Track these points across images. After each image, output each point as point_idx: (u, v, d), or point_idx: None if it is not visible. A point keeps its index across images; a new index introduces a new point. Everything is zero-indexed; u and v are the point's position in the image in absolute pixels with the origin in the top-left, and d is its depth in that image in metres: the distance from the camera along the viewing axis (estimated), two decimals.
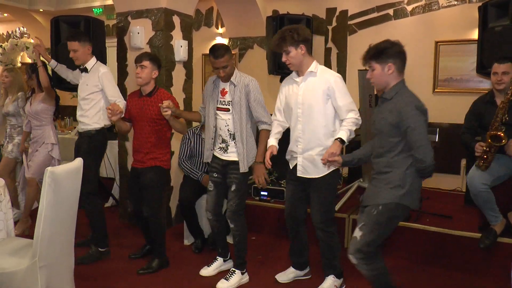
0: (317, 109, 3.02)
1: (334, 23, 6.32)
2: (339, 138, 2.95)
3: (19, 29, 9.90)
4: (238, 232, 3.43)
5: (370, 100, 4.22)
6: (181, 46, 4.59)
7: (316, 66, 3.07)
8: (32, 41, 9.24)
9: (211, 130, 3.40)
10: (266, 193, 4.79)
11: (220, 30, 7.01)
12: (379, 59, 2.57)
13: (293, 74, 3.16)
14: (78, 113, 3.87)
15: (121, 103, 3.65)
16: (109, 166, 5.35)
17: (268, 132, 3.28)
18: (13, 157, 4.75)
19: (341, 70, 6.31)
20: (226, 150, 3.37)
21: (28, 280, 2.50)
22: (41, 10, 8.36)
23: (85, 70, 3.87)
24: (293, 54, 2.98)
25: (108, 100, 3.76)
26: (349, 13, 6.21)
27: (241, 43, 6.78)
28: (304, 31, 2.99)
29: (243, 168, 3.30)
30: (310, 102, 3.03)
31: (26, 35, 9.79)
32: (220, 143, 3.39)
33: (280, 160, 5.21)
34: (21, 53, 9.32)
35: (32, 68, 4.48)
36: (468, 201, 4.68)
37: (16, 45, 8.56)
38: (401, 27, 5.88)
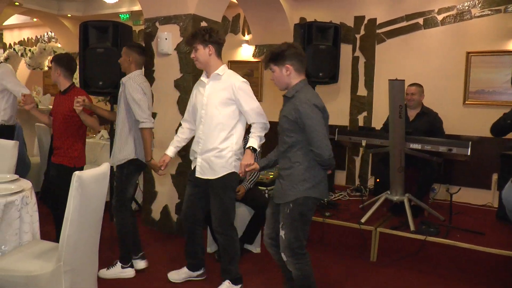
0: (217, 112, 3.12)
1: (362, 32, 6.22)
2: (250, 147, 3.04)
3: (47, 33, 10.05)
4: (119, 227, 3.60)
5: (400, 110, 4.12)
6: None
7: (223, 70, 3.17)
8: (59, 45, 9.37)
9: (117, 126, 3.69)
10: None
11: (247, 37, 6.97)
12: (277, 62, 2.72)
13: (203, 75, 3.26)
14: None
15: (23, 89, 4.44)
16: None
17: (145, 130, 3.47)
18: None
19: (369, 79, 6.21)
20: None
21: (52, 284, 2.48)
22: (69, 15, 8.47)
23: None
24: (201, 52, 3.13)
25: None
26: (378, 22, 6.11)
27: (267, 51, 6.66)
28: (216, 33, 3.14)
29: (112, 162, 3.59)
30: (212, 104, 3.13)
31: (53, 40, 9.94)
32: None
33: None
34: (49, 57, 9.43)
35: None
36: (500, 217, 4.54)
37: (44, 49, 8.65)
38: (431, 37, 5.75)
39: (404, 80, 4.13)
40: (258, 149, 3.14)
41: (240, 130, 3.24)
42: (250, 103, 3.13)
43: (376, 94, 6.19)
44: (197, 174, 3.23)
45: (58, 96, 3.87)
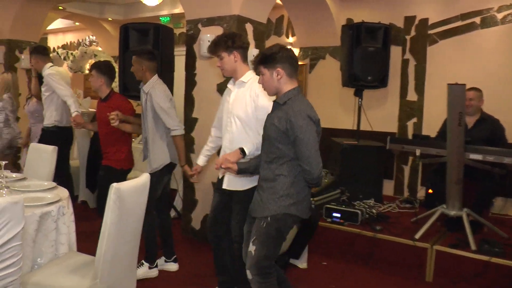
0: (243, 120, 2.96)
1: (412, 33, 5.88)
2: (241, 148, 2.84)
3: (88, 37, 10.13)
4: (146, 232, 3.53)
5: (460, 118, 3.79)
6: (254, 55, 4.33)
7: (248, 76, 3.00)
8: (100, 49, 9.40)
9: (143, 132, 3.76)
10: (339, 215, 4.45)
11: (291, 39, 6.74)
12: (267, 64, 2.50)
13: (230, 82, 3.11)
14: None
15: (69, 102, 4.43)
16: (172, 177, 5.16)
17: (177, 137, 3.51)
18: None
19: (419, 83, 5.86)
20: None
21: None
22: (110, 19, 8.48)
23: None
24: (226, 60, 2.97)
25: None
26: (430, 22, 5.75)
27: (312, 53, 6.47)
28: (239, 39, 2.98)
29: (149, 169, 3.59)
30: (237, 112, 2.97)
31: (94, 43, 10.00)
32: None
33: (353, 179, 4.85)
34: (90, 61, 9.48)
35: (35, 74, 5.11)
36: None
37: (85, 52, 8.68)
38: (489, 37, 5.36)
39: (465, 84, 3.81)
40: (249, 156, 2.84)
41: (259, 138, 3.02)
42: (266, 111, 2.83)
43: (427, 99, 5.83)
44: (224, 186, 3.06)
45: (99, 103, 3.89)
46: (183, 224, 4.77)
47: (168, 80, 4.39)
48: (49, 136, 4.75)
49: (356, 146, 5.33)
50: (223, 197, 3.13)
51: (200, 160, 3.36)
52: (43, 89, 4.76)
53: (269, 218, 2.52)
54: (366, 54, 5.18)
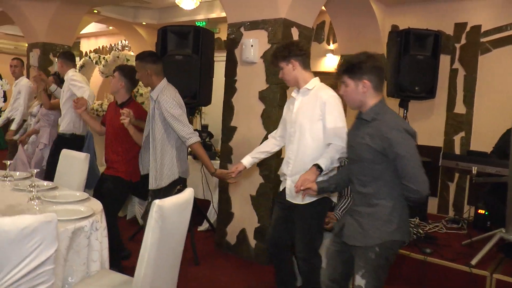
0: (308, 130, 2.83)
1: (463, 40, 5.53)
2: (317, 164, 2.69)
3: (121, 42, 10.05)
4: None
5: None
6: None
7: (313, 83, 2.89)
8: (132, 53, 9.29)
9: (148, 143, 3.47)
10: None
11: (332, 46, 6.47)
12: (353, 75, 2.29)
13: (294, 90, 3.00)
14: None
15: (85, 93, 4.12)
16: (206, 188, 4.94)
17: (195, 145, 3.24)
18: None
19: (469, 95, 5.50)
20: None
21: None
22: (144, 23, 8.36)
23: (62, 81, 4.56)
24: (285, 70, 2.89)
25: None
26: (483, 29, 5.39)
27: (342, 59, 6.10)
28: (296, 47, 2.87)
29: (153, 185, 3.35)
30: (302, 121, 2.85)
31: (127, 48, 9.91)
32: None
33: None
34: None
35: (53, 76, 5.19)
36: None
37: (118, 57, 8.55)
38: None
39: None
40: (326, 171, 2.72)
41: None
42: (334, 121, 2.78)
43: (477, 112, 5.46)
44: (288, 198, 2.93)
45: (113, 107, 3.70)
46: (217, 238, 4.51)
47: (207, 86, 4.17)
48: (64, 142, 4.52)
49: None
50: (284, 211, 3.00)
51: (246, 160, 3.12)
52: (64, 90, 4.59)
53: (377, 248, 2.29)
54: (414, 63, 4.87)
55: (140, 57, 3.34)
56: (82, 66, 9.33)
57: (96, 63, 9.14)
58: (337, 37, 6.19)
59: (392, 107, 5.54)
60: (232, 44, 4.27)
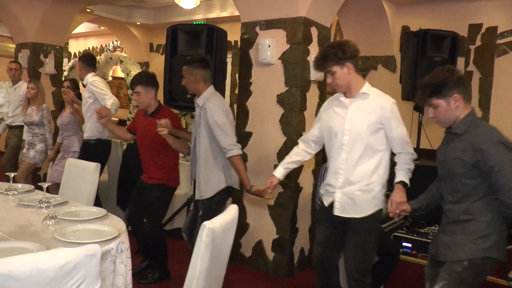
0: (366, 138, 2.59)
1: (478, 42, 5.36)
2: (401, 181, 2.55)
3: (112, 43, 9.70)
4: None
5: None
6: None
7: (369, 88, 2.64)
8: (125, 54, 8.97)
9: (192, 151, 3.33)
10: (409, 245, 3.90)
11: None
12: (442, 94, 2.19)
13: (338, 94, 2.73)
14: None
15: (109, 101, 3.95)
16: None
17: (235, 158, 3.04)
18: (34, 162, 5.06)
19: (485, 98, 5.33)
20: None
21: None
22: (138, 23, 8.05)
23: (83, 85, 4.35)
24: (339, 74, 2.57)
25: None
26: (499, 30, 5.23)
27: (362, 63, 5.91)
28: (349, 47, 2.58)
29: (198, 195, 3.18)
30: (360, 129, 2.60)
31: (119, 49, 9.57)
32: None
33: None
34: (113, 67, 9.04)
35: (69, 83, 4.84)
36: None
37: (111, 58, 8.23)
38: None
39: None
40: (408, 185, 2.60)
41: (387, 160, 2.69)
42: (399, 128, 2.61)
43: (494, 116, 5.29)
44: (337, 212, 2.68)
45: (143, 117, 3.57)
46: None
47: (221, 89, 3.90)
48: (91, 149, 4.37)
49: (417, 167, 4.77)
50: (331, 228, 2.76)
51: (279, 172, 2.90)
52: (85, 96, 4.36)
53: (466, 262, 2.17)
54: (431, 65, 4.63)
55: (189, 62, 3.20)
56: (71, 68, 8.97)
57: None
58: (345, 37, 5.97)
59: (406, 111, 5.33)
60: (246, 44, 4.01)
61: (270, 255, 3.96)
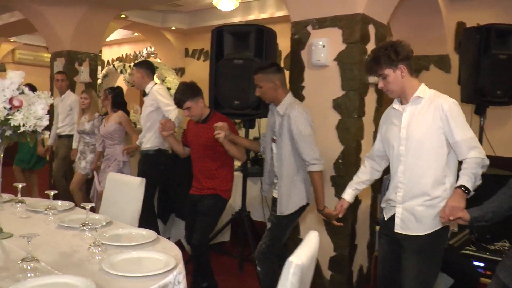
0: (426, 146, 2.32)
1: None
2: (461, 185, 2.17)
3: (146, 49, 9.56)
4: (264, 277, 3.02)
5: None
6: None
7: (424, 90, 2.36)
8: (159, 60, 8.80)
9: (268, 163, 3.10)
10: (482, 265, 3.51)
11: None
12: None
13: (394, 101, 2.49)
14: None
15: (172, 113, 3.83)
16: (265, 209, 4.35)
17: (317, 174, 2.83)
18: (85, 173, 5.00)
19: None
20: (275, 186, 3.04)
21: None
22: (173, 28, 7.85)
23: (145, 93, 4.13)
24: (392, 78, 2.33)
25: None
26: None
27: (413, 64, 5.50)
28: (403, 47, 2.33)
29: (280, 210, 2.91)
30: (417, 136, 2.33)
31: (153, 55, 9.41)
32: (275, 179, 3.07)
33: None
34: None
35: (109, 91, 4.71)
36: None
37: None
38: None
39: None
40: (472, 192, 2.19)
41: (454, 170, 2.36)
42: (463, 131, 2.26)
43: None
44: (397, 229, 2.42)
45: (194, 126, 3.39)
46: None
47: None
48: (150, 160, 4.18)
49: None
50: (392, 244, 2.50)
51: (348, 195, 2.68)
52: (147, 104, 4.13)
53: None
54: (496, 63, 4.25)
55: (261, 68, 2.94)
56: (105, 76, 8.86)
57: (121, 72, 8.66)
58: (394, 36, 5.59)
59: (466, 115, 4.91)
60: (297, 45, 3.70)
61: (327, 273, 3.62)
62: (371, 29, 3.53)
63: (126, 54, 9.96)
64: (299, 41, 3.68)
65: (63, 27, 6.41)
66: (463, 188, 2.16)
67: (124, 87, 8.79)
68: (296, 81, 3.71)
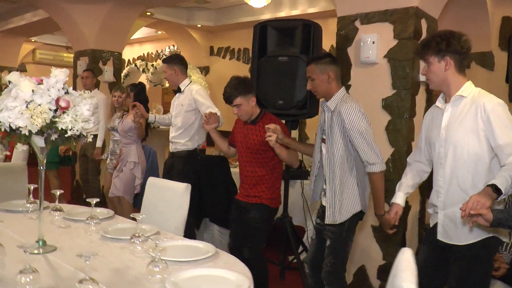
0: (465, 150, 2.16)
1: None
2: (492, 184, 1.97)
3: (168, 47, 9.40)
4: None
5: None
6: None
7: (468, 89, 2.19)
8: None
9: (315, 165, 2.79)
10: None
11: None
12: None
13: (438, 98, 2.35)
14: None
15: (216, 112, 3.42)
16: (306, 213, 4.14)
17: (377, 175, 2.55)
18: None
19: None
20: (325, 192, 2.70)
21: None
22: (199, 25, 7.67)
23: (178, 90, 3.89)
24: (434, 68, 2.21)
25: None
26: None
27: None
28: (458, 40, 2.16)
29: (330, 219, 2.60)
30: (456, 139, 2.19)
31: None
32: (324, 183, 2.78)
33: None
34: None
35: (131, 88, 4.61)
36: None
37: None
38: None
39: None
40: (505, 195, 1.99)
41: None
42: (507, 134, 2.07)
43: None
44: (439, 236, 2.28)
45: (242, 126, 3.10)
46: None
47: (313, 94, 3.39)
48: (185, 162, 3.90)
49: None
50: (436, 251, 2.35)
51: (400, 199, 2.48)
52: (183, 103, 3.85)
53: None
54: None
55: (315, 59, 2.67)
56: (127, 75, 8.73)
57: (143, 71, 8.52)
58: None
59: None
60: (343, 41, 3.50)
61: (376, 283, 3.43)
62: (423, 24, 3.32)
63: (148, 53, 9.81)
64: (346, 37, 3.48)
65: (88, 25, 6.27)
66: (492, 187, 1.97)
67: (146, 86, 8.71)
68: (342, 80, 3.48)
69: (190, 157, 3.91)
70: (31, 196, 2.66)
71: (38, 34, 9.64)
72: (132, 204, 4.57)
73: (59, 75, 1.94)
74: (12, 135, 1.92)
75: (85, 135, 2.03)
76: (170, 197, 2.70)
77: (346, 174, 2.61)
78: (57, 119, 1.86)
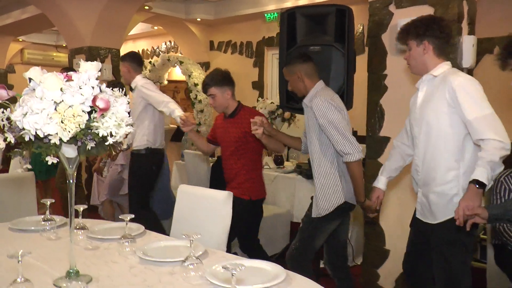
0: (435, 128, 2.20)
1: None
2: (474, 180, 1.96)
3: (165, 43, 9.07)
4: None
5: None
6: (473, 45, 3.07)
7: (442, 69, 2.23)
8: (180, 54, 8.32)
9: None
10: None
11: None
12: None
13: (419, 80, 2.39)
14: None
15: (177, 109, 3.54)
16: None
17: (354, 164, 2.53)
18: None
19: None
20: None
21: None
22: (198, 19, 7.36)
23: (131, 88, 3.90)
24: (414, 52, 2.28)
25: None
26: None
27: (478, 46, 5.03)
28: (438, 25, 2.23)
29: (316, 212, 2.64)
30: (427, 118, 2.23)
31: (173, 50, 8.94)
32: None
33: None
34: (169, 70, 8.40)
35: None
36: None
37: (168, 60, 7.59)
38: None
39: None
40: (488, 185, 1.98)
41: (472, 154, 2.15)
42: (475, 109, 2.06)
43: None
44: (418, 215, 2.39)
45: (222, 121, 3.21)
46: (364, 282, 3.47)
47: (352, 85, 3.12)
48: (141, 160, 3.89)
49: None
50: (418, 233, 2.40)
51: (381, 183, 2.56)
52: (135, 102, 3.83)
53: None
54: None
55: (288, 62, 2.80)
56: None
57: None
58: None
59: None
60: (376, 27, 3.24)
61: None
62: (465, 6, 3.07)
63: (143, 49, 9.46)
64: (380, 23, 3.22)
65: (83, 20, 5.91)
66: (476, 184, 1.95)
67: None
68: (377, 69, 3.26)
69: (147, 156, 3.88)
70: (47, 212, 2.35)
71: (26, 33, 9.26)
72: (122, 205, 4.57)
73: (90, 69, 1.61)
74: (37, 145, 1.61)
75: (121, 141, 1.73)
76: (209, 206, 2.40)
77: (327, 167, 2.64)
78: (95, 123, 1.55)
